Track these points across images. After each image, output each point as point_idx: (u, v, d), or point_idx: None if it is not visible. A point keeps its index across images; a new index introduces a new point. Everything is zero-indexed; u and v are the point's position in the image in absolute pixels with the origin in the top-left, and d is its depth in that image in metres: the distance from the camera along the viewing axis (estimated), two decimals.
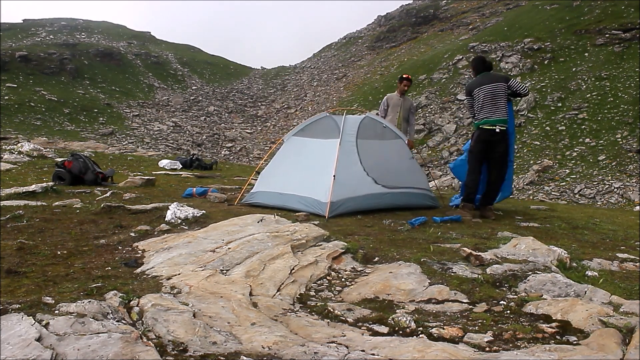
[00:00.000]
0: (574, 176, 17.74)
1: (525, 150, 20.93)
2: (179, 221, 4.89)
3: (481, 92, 6.14)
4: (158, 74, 43.08)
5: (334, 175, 5.82)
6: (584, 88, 23.27)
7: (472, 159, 6.26)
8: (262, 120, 38.90)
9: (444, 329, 2.49)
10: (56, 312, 2.43)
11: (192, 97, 40.96)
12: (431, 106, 28.04)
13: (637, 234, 5.69)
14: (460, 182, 7.76)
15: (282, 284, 3.16)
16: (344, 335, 2.38)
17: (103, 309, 2.46)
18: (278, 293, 3.03)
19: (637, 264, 3.99)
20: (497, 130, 6.05)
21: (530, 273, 3.40)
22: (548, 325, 2.53)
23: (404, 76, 8.10)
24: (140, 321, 2.44)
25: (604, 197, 15.79)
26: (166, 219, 4.92)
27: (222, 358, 2.10)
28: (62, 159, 9.65)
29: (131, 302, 2.64)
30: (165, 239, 4.18)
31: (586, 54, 25.92)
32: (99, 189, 7.40)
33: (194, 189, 7.19)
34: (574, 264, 3.83)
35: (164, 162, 13.18)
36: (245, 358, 2.10)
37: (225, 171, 13.57)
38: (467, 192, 6.23)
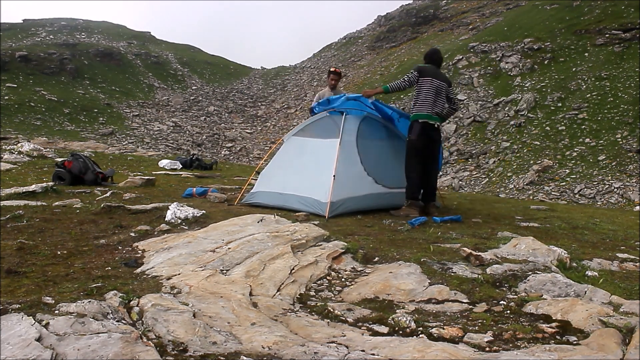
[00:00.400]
0: (574, 176, 17.74)
1: (525, 150, 20.94)
2: (179, 221, 4.89)
3: (432, 84, 6.16)
4: (158, 74, 43.08)
5: (334, 175, 5.82)
6: (584, 88, 23.27)
7: (415, 154, 6.16)
8: (262, 120, 38.91)
9: (444, 329, 2.49)
10: (56, 312, 2.43)
11: (192, 97, 40.97)
12: None
13: (637, 234, 5.69)
14: None
15: (282, 284, 3.16)
16: (344, 335, 2.38)
17: (103, 309, 2.46)
18: (278, 293, 3.03)
19: (637, 264, 3.99)
20: (436, 126, 6.22)
21: (530, 273, 3.40)
22: (548, 325, 2.53)
23: (332, 70, 7.94)
24: (140, 321, 2.44)
25: (604, 197, 15.80)
26: (166, 219, 4.92)
27: (222, 358, 2.10)
28: (62, 159, 9.65)
29: (131, 302, 2.63)
30: (165, 239, 4.18)
31: (586, 54, 25.92)
32: (99, 189, 7.40)
33: (194, 189, 7.19)
34: (574, 264, 3.83)
35: (164, 162, 13.19)
36: (245, 358, 2.10)
37: (225, 171, 13.57)
38: (414, 190, 6.14)
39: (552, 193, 16.81)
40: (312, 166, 6.25)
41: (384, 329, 2.53)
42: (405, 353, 2.14)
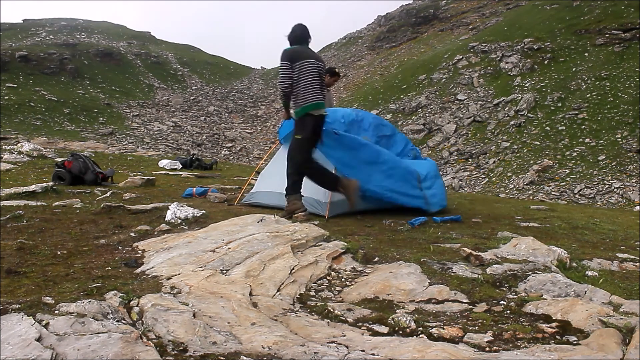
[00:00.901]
0: (574, 176, 17.75)
1: (525, 150, 20.94)
2: (179, 221, 4.89)
3: (309, 66, 5.14)
4: (158, 74, 43.09)
5: None
6: (584, 88, 23.27)
7: (309, 148, 5.38)
8: (262, 120, 38.91)
9: (444, 329, 2.49)
10: (56, 312, 2.43)
11: (192, 97, 40.97)
12: (431, 106, 28.04)
13: (637, 234, 5.69)
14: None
15: (282, 284, 3.16)
16: (344, 335, 2.38)
17: (103, 309, 2.46)
18: (278, 293, 3.03)
19: (637, 264, 3.99)
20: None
21: (530, 273, 3.40)
22: (548, 325, 2.53)
23: (336, 70, 7.39)
24: (140, 321, 2.44)
25: (604, 197, 15.80)
26: (166, 219, 4.92)
27: (222, 358, 2.10)
28: (62, 159, 9.65)
29: (131, 302, 2.63)
30: (165, 239, 4.18)
31: (586, 54, 25.93)
32: (99, 189, 7.40)
33: (194, 189, 7.20)
34: (574, 264, 3.83)
35: (164, 162, 13.20)
36: (245, 358, 2.10)
37: (225, 171, 13.58)
38: (300, 186, 5.52)
39: (552, 193, 16.82)
40: None
41: (384, 329, 2.53)
42: (405, 353, 2.14)
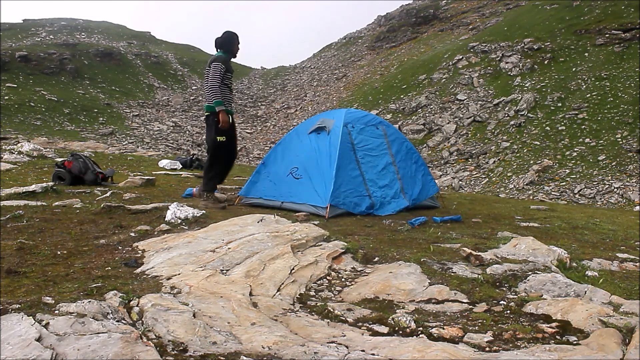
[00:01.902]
0: (574, 176, 17.74)
1: (525, 150, 20.93)
2: (179, 221, 4.89)
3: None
4: (158, 74, 43.07)
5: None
6: (584, 88, 23.26)
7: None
8: (262, 120, 38.90)
9: (444, 329, 2.49)
10: (56, 312, 2.43)
11: (192, 97, 40.95)
12: (431, 106, 28.03)
13: (637, 234, 5.70)
14: None
15: (282, 284, 3.16)
16: (344, 335, 2.38)
17: (103, 309, 2.46)
18: (278, 293, 3.03)
19: (637, 264, 3.99)
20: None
21: (530, 273, 3.40)
22: (548, 325, 2.53)
23: None
24: (140, 321, 2.44)
25: (604, 197, 15.79)
26: (166, 219, 4.92)
27: (222, 358, 2.10)
28: (62, 159, 9.65)
29: (131, 302, 2.63)
30: (165, 239, 4.18)
31: (586, 54, 25.92)
32: (99, 189, 7.40)
33: (194, 189, 7.18)
34: (574, 264, 3.83)
35: (164, 162, 13.18)
36: (245, 358, 2.10)
37: None
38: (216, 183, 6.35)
39: (552, 193, 16.80)
40: None
41: (384, 329, 2.53)
42: (405, 353, 2.14)
